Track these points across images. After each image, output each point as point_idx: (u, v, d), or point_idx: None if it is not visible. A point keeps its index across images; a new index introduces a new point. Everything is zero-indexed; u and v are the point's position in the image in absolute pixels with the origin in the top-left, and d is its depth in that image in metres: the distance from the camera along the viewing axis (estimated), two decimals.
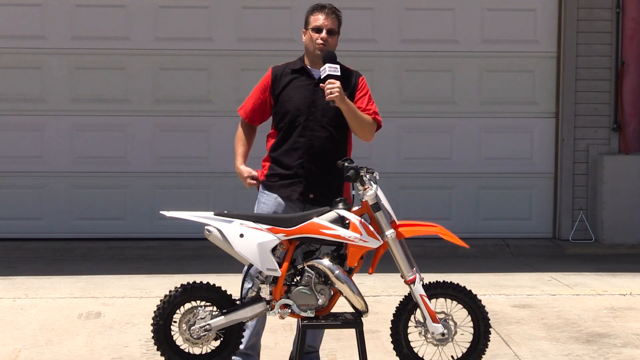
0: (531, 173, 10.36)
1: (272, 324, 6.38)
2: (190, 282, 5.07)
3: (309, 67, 5.48)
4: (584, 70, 10.12)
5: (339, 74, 5.23)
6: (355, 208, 5.04)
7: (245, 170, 5.47)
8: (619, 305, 7.48)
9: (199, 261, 9.17)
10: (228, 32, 10.06)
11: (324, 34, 5.41)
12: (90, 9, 9.97)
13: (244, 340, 5.25)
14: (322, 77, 5.25)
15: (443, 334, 5.08)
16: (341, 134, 5.44)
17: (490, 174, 10.32)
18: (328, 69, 5.23)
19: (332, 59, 5.27)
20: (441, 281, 5.20)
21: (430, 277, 5.43)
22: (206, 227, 5.00)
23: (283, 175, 5.41)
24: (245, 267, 5.17)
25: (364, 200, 5.02)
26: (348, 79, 5.45)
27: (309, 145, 5.37)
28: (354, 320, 5.06)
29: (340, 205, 5.03)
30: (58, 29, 9.96)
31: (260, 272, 5.02)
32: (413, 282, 5.04)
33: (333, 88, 5.18)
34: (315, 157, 5.37)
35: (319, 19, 5.45)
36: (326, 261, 4.99)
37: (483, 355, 5.21)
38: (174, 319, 5.03)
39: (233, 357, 5.20)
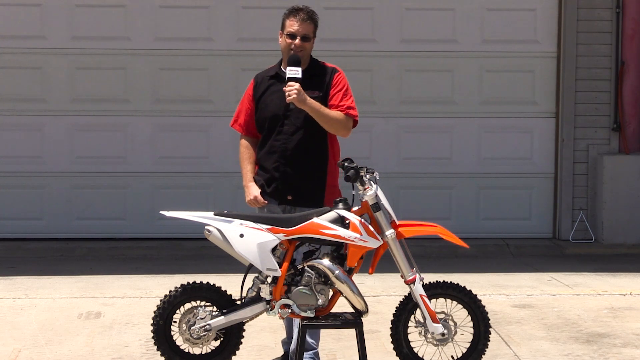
0: (531, 173, 10.36)
1: (272, 324, 6.38)
2: (190, 282, 5.07)
3: (284, 70, 5.47)
4: (584, 70, 10.12)
5: (299, 76, 5.30)
6: (355, 208, 5.04)
7: (255, 191, 5.46)
8: (619, 305, 7.48)
9: (199, 261, 9.17)
10: (228, 32, 10.06)
11: (297, 40, 5.44)
12: (90, 9, 9.97)
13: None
14: (286, 79, 5.34)
15: (443, 334, 5.08)
16: (318, 135, 5.45)
17: (490, 174, 10.32)
18: (288, 72, 5.31)
19: (295, 63, 5.33)
20: (441, 281, 5.20)
21: (430, 277, 5.43)
22: (206, 227, 5.00)
23: (265, 179, 5.48)
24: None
25: (364, 200, 5.02)
26: (322, 77, 5.50)
27: (283, 148, 5.42)
28: (354, 320, 5.06)
29: (340, 205, 5.04)
30: (58, 29, 9.96)
31: (260, 272, 5.02)
32: (413, 282, 5.05)
33: (291, 91, 5.26)
34: (289, 159, 5.41)
35: (293, 25, 5.46)
36: (326, 261, 4.99)
37: (483, 355, 5.22)
38: (174, 319, 5.03)
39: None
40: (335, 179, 5.54)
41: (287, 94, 5.27)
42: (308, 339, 5.40)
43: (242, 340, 5.14)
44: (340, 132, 5.47)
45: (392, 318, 5.17)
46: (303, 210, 5.23)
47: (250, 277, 5.12)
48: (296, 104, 5.28)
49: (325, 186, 5.46)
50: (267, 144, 5.49)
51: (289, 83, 5.28)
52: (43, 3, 9.94)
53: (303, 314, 5.00)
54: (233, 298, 5.09)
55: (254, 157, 5.59)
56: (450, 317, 5.13)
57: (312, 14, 5.50)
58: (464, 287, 5.20)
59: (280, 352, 5.84)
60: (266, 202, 5.44)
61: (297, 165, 5.41)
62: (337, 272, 4.97)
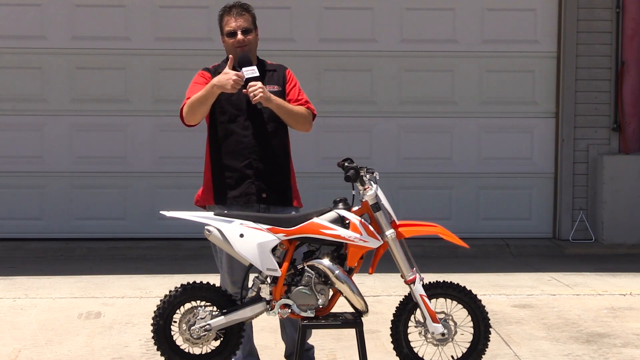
0: (531, 173, 10.36)
1: (273, 324, 6.37)
2: (190, 282, 5.07)
3: (235, 68, 5.30)
4: (584, 70, 10.12)
5: (257, 74, 5.16)
6: (355, 208, 5.04)
7: (231, 71, 5.14)
8: (619, 305, 7.48)
9: (199, 261, 9.16)
10: None
11: (239, 36, 5.31)
12: (90, 9, 9.97)
13: (239, 349, 5.26)
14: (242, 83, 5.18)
15: (443, 334, 5.08)
16: (282, 128, 5.38)
17: (490, 174, 10.33)
18: (245, 73, 5.16)
19: (247, 62, 5.20)
20: (441, 281, 5.20)
21: (430, 277, 5.43)
22: (206, 227, 5.00)
23: (235, 178, 5.32)
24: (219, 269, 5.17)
25: (364, 200, 5.02)
26: (275, 72, 5.41)
27: (253, 144, 5.30)
28: (354, 320, 5.06)
29: (340, 205, 5.03)
30: (58, 29, 9.96)
31: (260, 272, 5.02)
32: (413, 282, 5.04)
33: (255, 90, 5.11)
34: (262, 154, 5.30)
35: (230, 23, 5.32)
36: (326, 261, 4.99)
37: (483, 355, 5.21)
38: (174, 319, 5.03)
39: None
40: (294, 176, 5.48)
41: (252, 94, 5.10)
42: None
43: (242, 340, 5.14)
44: (304, 126, 5.38)
45: (392, 318, 5.17)
46: (275, 211, 5.22)
47: (251, 277, 5.12)
48: (263, 103, 5.15)
49: (291, 182, 5.42)
50: (230, 141, 5.32)
51: (251, 83, 5.12)
52: (43, 3, 9.94)
53: (303, 314, 4.99)
54: (233, 298, 5.09)
55: None
56: (450, 317, 5.13)
57: (246, 5, 5.37)
58: (464, 287, 5.20)
59: (280, 351, 5.84)
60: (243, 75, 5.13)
61: (268, 161, 5.31)
62: (337, 272, 4.97)
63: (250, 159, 5.30)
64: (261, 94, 5.11)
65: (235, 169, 5.33)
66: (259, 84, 5.14)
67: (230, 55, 5.29)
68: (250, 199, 5.31)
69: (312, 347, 5.58)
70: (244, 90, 5.17)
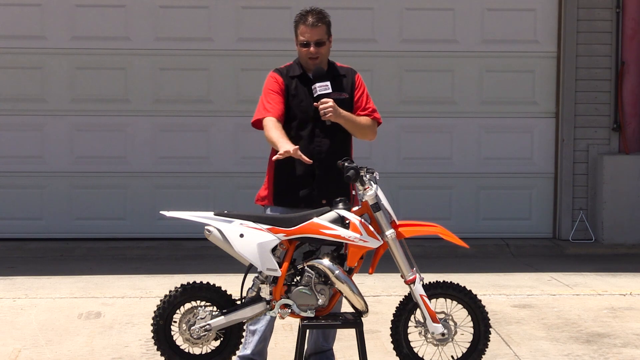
0: (531, 173, 10.36)
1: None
2: (190, 282, 5.07)
3: (307, 73, 5.42)
4: (584, 70, 10.12)
5: (330, 91, 5.24)
6: (355, 208, 5.04)
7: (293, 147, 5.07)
8: (619, 305, 7.48)
9: (199, 261, 9.17)
10: (228, 32, 10.06)
11: (312, 48, 5.35)
12: (90, 9, 9.97)
13: (251, 345, 5.27)
14: (314, 95, 5.26)
15: (443, 334, 5.08)
16: (346, 137, 5.44)
17: (490, 174, 10.32)
18: (318, 89, 5.24)
19: (321, 77, 5.26)
20: (441, 281, 5.20)
21: (430, 277, 5.42)
22: (206, 227, 5.00)
23: (294, 185, 5.36)
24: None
25: (364, 200, 5.02)
26: (344, 77, 5.45)
27: (318, 151, 5.34)
28: (354, 320, 5.06)
29: (340, 205, 5.03)
30: (58, 29, 9.96)
31: (260, 272, 5.02)
32: (413, 282, 5.04)
33: (327, 108, 5.18)
34: (324, 162, 5.33)
35: (304, 33, 5.35)
36: (326, 261, 4.99)
37: (483, 355, 5.21)
38: (174, 319, 5.03)
39: None
40: None
41: (322, 112, 5.19)
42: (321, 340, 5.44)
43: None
44: (369, 137, 5.48)
45: (392, 318, 5.17)
46: None
47: (250, 277, 5.12)
48: (332, 120, 5.23)
49: (350, 189, 5.42)
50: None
51: (322, 100, 5.20)
52: (43, 3, 9.94)
53: (303, 314, 5.00)
54: (233, 298, 5.09)
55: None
56: (450, 317, 5.13)
57: (322, 15, 5.41)
58: (464, 287, 5.20)
59: (280, 351, 5.83)
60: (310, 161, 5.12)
61: (331, 168, 5.29)
62: (337, 272, 4.97)
63: (313, 165, 5.30)
64: (331, 113, 5.19)
65: (298, 174, 5.35)
66: (331, 101, 5.20)
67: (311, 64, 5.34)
68: (309, 204, 5.30)
69: (330, 349, 5.58)
70: (315, 103, 5.24)
